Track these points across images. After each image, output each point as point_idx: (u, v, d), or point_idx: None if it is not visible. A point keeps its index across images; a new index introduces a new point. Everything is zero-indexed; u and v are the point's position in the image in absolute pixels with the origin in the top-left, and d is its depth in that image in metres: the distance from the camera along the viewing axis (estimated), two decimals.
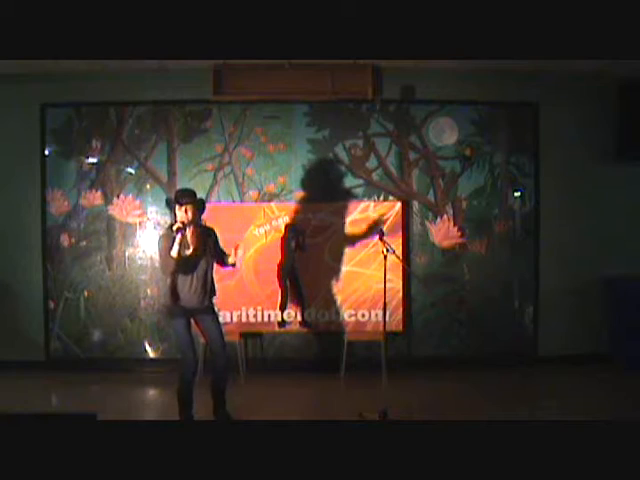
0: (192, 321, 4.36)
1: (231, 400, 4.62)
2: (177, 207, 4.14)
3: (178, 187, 5.94)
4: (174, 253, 4.04)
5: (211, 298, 4.39)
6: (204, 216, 4.45)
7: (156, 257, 5.99)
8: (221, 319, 5.44)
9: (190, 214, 4.12)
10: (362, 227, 5.91)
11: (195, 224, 4.21)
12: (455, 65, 5.75)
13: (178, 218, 4.13)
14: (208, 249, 4.29)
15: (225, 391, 4.45)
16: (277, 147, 6.09)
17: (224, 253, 4.44)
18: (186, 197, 4.15)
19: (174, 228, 4.06)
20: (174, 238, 4.06)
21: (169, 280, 4.20)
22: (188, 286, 4.21)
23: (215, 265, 4.42)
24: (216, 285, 4.47)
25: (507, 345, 6.13)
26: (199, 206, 4.25)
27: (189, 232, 4.15)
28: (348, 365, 5.75)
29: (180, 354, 4.35)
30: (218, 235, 4.46)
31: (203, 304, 4.29)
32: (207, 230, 4.39)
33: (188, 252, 4.14)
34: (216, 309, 4.55)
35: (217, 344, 4.35)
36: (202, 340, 4.73)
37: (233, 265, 4.48)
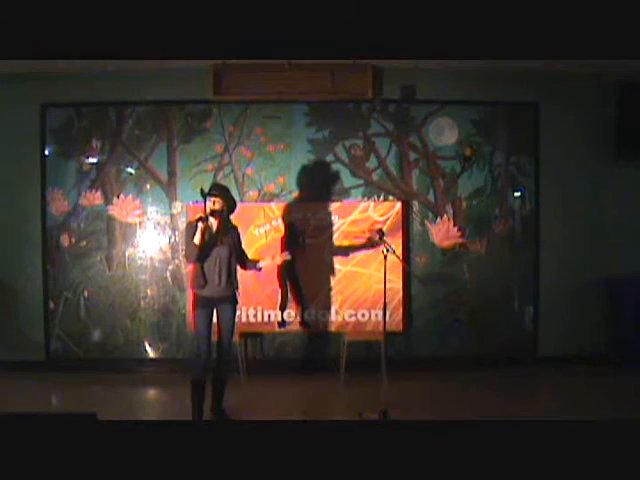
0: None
1: (231, 400, 4.63)
2: (208, 197, 4.40)
3: (178, 187, 6.06)
4: (196, 240, 4.31)
5: (233, 288, 4.57)
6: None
7: (156, 257, 6.09)
8: None
9: (217, 206, 4.38)
10: (362, 227, 5.91)
11: (220, 216, 4.43)
12: (455, 65, 5.75)
13: (207, 208, 4.39)
14: (232, 243, 4.50)
15: (225, 386, 4.56)
16: (277, 147, 6.09)
17: (245, 255, 4.70)
18: (217, 190, 4.46)
19: (196, 217, 4.34)
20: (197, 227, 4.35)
21: (193, 267, 4.48)
22: (209, 275, 4.44)
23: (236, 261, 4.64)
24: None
25: (507, 345, 6.13)
26: (228, 202, 4.47)
27: (214, 222, 4.40)
28: (348, 365, 5.73)
29: (195, 346, 4.50)
30: (241, 236, 4.68)
31: (224, 293, 4.49)
32: (231, 225, 4.60)
33: (207, 238, 4.36)
34: (237, 301, 4.67)
35: (226, 334, 4.55)
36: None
37: (259, 269, 4.78)
